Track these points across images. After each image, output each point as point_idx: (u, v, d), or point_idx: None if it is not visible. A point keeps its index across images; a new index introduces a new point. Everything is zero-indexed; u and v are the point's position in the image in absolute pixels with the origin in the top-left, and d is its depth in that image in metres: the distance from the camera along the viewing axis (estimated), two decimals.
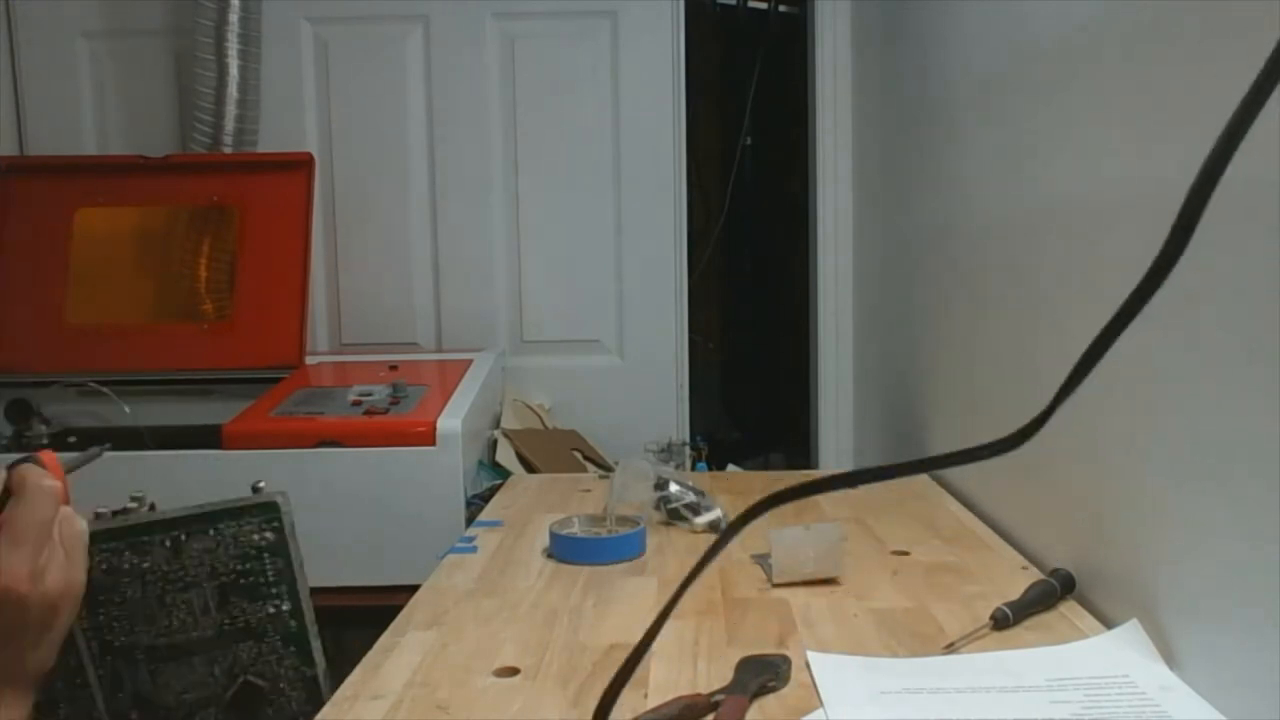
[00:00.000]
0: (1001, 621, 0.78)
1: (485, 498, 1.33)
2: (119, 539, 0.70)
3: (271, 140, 1.90)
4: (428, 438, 1.36)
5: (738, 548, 1.01)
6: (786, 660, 0.72)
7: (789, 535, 0.90)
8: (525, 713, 0.66)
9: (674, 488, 1.13)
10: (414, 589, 0.91)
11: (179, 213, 1.79)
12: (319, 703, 0.70)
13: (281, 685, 0.73)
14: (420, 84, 1.98)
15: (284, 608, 0.72)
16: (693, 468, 1.74)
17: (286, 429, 1.38)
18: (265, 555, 0.71)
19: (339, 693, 0.70)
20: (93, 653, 0.70)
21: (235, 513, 0.71)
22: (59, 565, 0.65)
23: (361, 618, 0.88)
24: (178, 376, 1.64)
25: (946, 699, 0.67)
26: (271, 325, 1.69)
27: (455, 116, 1.98)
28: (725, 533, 0.45)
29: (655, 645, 0.77)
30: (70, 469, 0.71)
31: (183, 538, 0.71)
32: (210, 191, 1.76)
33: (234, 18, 1.81)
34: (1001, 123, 1.09)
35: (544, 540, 1.04)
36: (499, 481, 1.43)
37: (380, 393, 1.50)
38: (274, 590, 0.72)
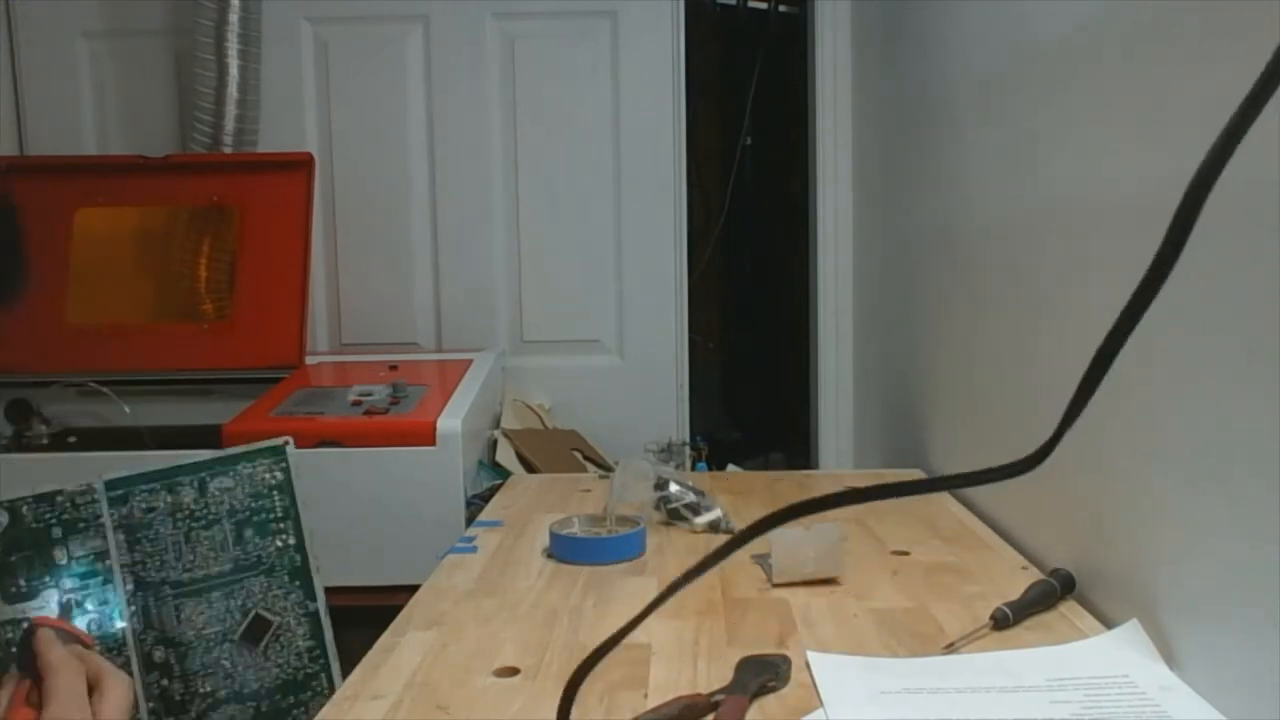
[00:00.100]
0: (1001, 621, 0.78)
1: (485, 498, 1.33)
2: (157, 480, 0.81)
3: (271, 140, 1.91)
4: (428, 438, 1.36)
5: None
6: (786, 660, 0.72)
7: (789, 535, 0.90)
8: (525, 713, 0.66)
9: (674, 488, 1.13)
10: (414, 589, 0.91)
11: (179, 213, 1.79)
12: (320, 639, 0.79)
13: (289, 620, 0.82)
14: (420, 84, 1.98)
15: (290, 542, 0.82)
16: (693, 468, 1.75)
17: (286, 429, 1.38)
18: (274, 493, 0.82)
19: (339, 693, 0.70)
20: (128, 590, 0.78)
21: (251, 455, 0.83)
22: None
23: (361, 618, 0.87)
24: (178, 376, 1.64)
25: (946, 699, 0.67)
26: (271, 325, 1.69)
27: (455, 116, 1.98)
28: (730, 543, 0.45)
29: (655, 645, 0.77)
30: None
31: (207, 478, 0.81)
32: (210, 191, 1.76)
33: (234, 18, 1.81)
34: (1001, 123, 1.09)
35: (544, 540, 1.04)
36: (499, 481, 1.43)
37: (380, 393, 1.50)
38: (281, 525, 0.82)
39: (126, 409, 1.49)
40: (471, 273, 2.00)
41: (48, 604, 0.75)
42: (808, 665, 0.72)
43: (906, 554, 0.99)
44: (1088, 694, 0.67)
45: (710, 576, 0.92)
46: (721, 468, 1.91)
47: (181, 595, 0.80)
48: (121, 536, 0.78)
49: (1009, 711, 0.65)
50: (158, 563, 0.79)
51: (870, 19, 1.80)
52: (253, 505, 0.82)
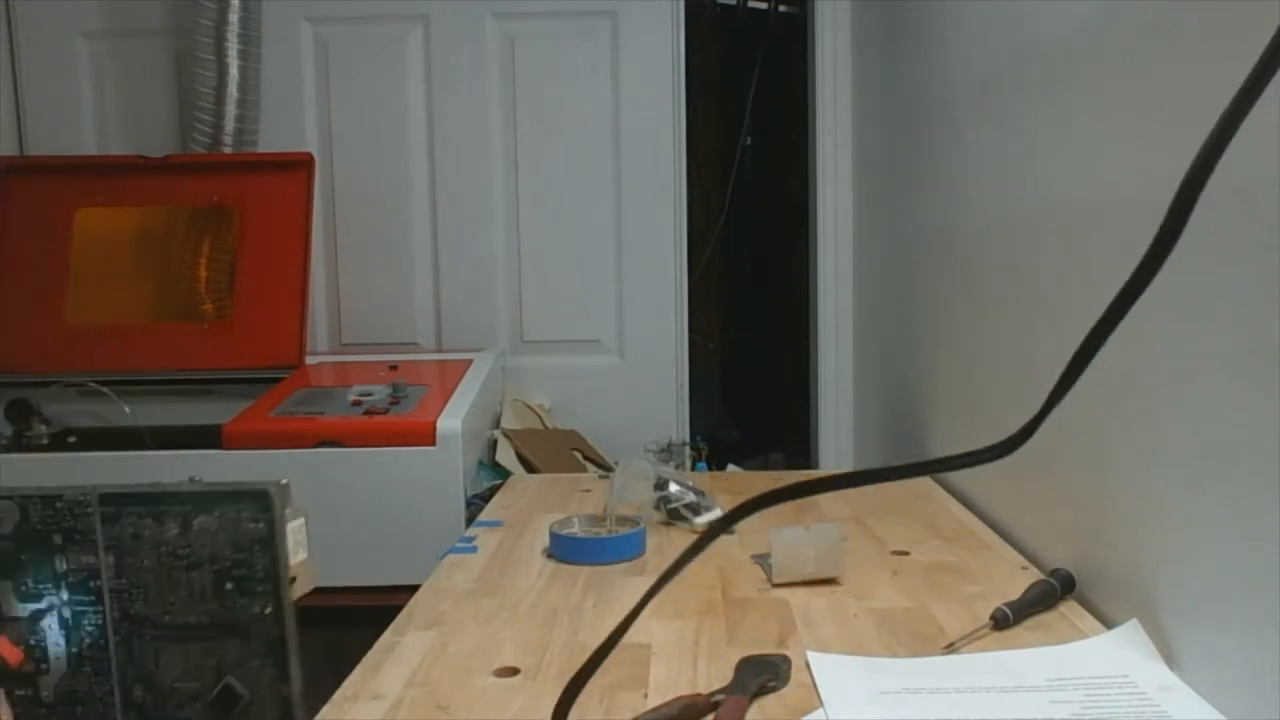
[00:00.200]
0: (1001, 621, 0.78)
1: (485, 498, 1.33)
2: (145, 504, 0.73)
3: (271, 140, 1.91)
4: (428, 438, 1.36)
5: (737, 548, 1.01)
6: (786, 660, 0.72)
7: (789, 535, 0.90)
8: (525, 713, 0.66)
9: (674, 488, 1.13)
10: (414, 589, 0.91)
11: (179, 213, 1.79)
12: None
13: (260, 699, 0.73)
14: (420, 84, 1.98)
15: (268, 611, 0.72)
16: (693, 468, 1.74)
17: (286, 429, 1.38)
18: (256, 548, 0.72)
19: (339, 693, 0.70)
20: (114, 617, 0.73)
21: (235, 497, 0.73)
22: None
23: (361, 618, 0.88)
24: (178, 376, 1.64)
25: (946, 699, 0.67)
26: (271, 325, 1.69)
27: (455, 116, 1.98)
28: (712, 529, 0.45)
29: (655, 645, 0.77)
30: None
31: (192, 513, 0.73)
32: (210, 191, 1.76)
33: (234, 18, 1.81)
34: (1001, 123, 1.09)
35: (544, 540, 1.04)
36: (499, 481, 1.44)
37: (380, 393, 1.50)
38: (260, 589, 0.72)
39: (126, 409, 1.49)
40: (471, 273, 2.00)
41: (51, 610, 0.74)
42: (808, 665, 0.72)
43: (906, 554, 0.99)
44: (1088, 694, 0.67)
45: (710, 576, 0.92)
46: (721, 468, 1.91)
47: (162, 639, 0.74)
48: (111, 559, 0.74)
49: (1009, 711, 0.65)
50: (142, 597, 0.74)
51: (870, 19, 1.80)
52: (234, 557, 0.73)
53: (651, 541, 1.04)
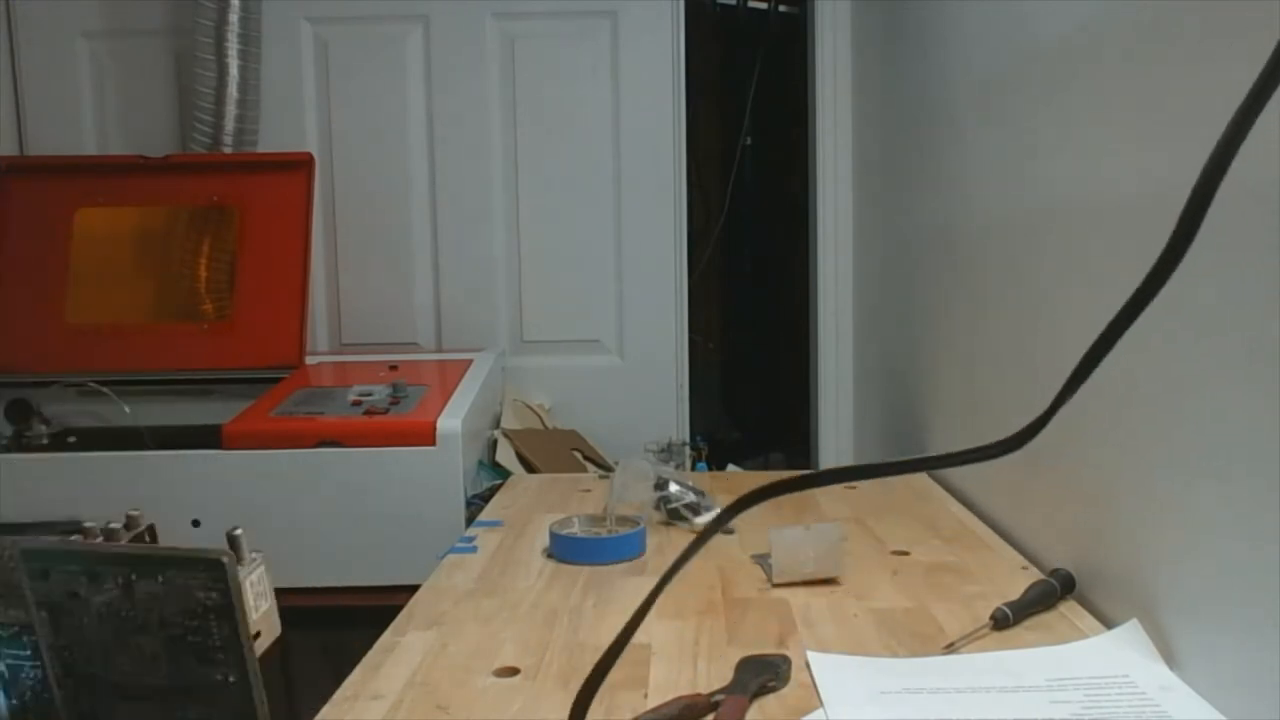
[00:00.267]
0: (1001, 621, 0.78)
1: (485, 498, 1.33)
2: (75, 564, 0.68)
3: (271, 140, 1.90)
4: (428, 438, 1.36)
5: (737, 548, 1.01)
6: (786, 660, 0.72)
7: (789, 535, 0.90)
8: (525, 713, 0.66)
9: (674, 488, 1.13)
10: (414, 589, 0.91)
11: (179, 213, 1.79)
12: None
13: None
14: (420, 84, 1.98)
15: (231, 679, 0.67)
16: (693, 468, 1.74)
17: (286, 429, 1.38)
18: (211, 617, 0.66)
19: (339, 693, 0.70)
20: (57, 673, 0.69)
21: (183, 563, 0.67)
22: None
23: (361, 618, 0.88)
24: (178, 376, 1.64)
25: (946, 699, 0.67)
26: (271, 325, 1.69)
27: (455, 116, 1.98)
28: (710, 526, 0.45)
29: (655, 645, 0.77)
30: None
31: (133, 577, 0.67)
32: (210, 191, 1.76)
33: (234, 18, 1.81)
34: (1001, 123, 1.09)
35: (544, 540, 1.04)
36: (499, 481, 1.43)
37: (380, 393, 1.50)
38: (220, 658, 0.67)
39: (126, 409, 1.49)
40: (471, 273, 2.00)
41: None
42: (808, 665, 0.72)
43: (906, 554, 0.99)
44: (1088, 694, 0.67)
45: (710, 576, 0.92)
46: (721, 468, 1.91)
47: (117, 697, 0.68)
48: (44, 614, 0.68)
49: (1009, 711, 0.65)
50: (85, 654, 0.68)
51: (870, 19, 1.80)
52: (188, 624, 0.67)
53: (651, 541, 1.04)
